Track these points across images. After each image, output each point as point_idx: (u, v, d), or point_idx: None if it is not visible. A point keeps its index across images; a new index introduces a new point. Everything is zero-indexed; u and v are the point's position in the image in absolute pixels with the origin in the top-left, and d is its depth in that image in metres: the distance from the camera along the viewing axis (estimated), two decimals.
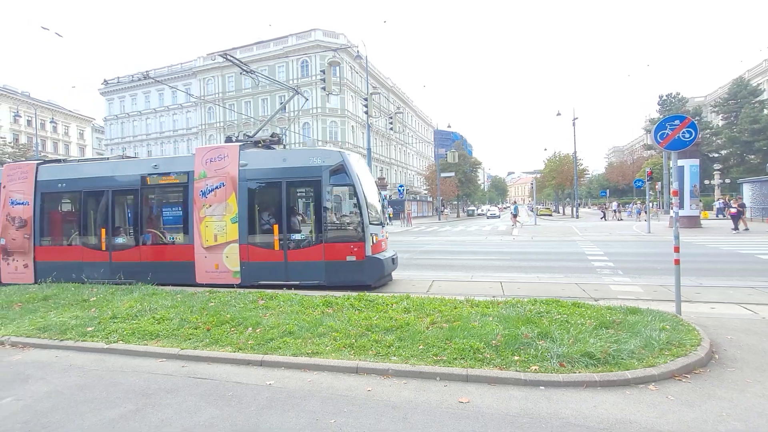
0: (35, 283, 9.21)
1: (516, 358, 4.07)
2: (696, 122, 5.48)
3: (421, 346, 4.44)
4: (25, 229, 9.69)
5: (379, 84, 52.67)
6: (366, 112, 25.46)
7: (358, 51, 28.46)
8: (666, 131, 5.51)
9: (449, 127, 46.54)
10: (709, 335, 4.62)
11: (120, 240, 9.51)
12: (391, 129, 29.02)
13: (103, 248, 9.32)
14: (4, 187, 9.93)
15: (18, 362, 4.82)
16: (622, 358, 3.94)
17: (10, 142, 45.63)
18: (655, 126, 5.59)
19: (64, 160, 11.30)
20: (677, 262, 5.48)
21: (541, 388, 3.63)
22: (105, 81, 51.37)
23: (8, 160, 40.57)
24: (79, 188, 9.61)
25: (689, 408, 3.25)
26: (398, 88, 60.38)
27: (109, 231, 9.35)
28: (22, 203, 9.76)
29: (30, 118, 52.27)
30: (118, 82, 51.93)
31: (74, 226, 9.94)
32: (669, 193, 29.92)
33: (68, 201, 10.43)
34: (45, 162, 10.46)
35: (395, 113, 33.98)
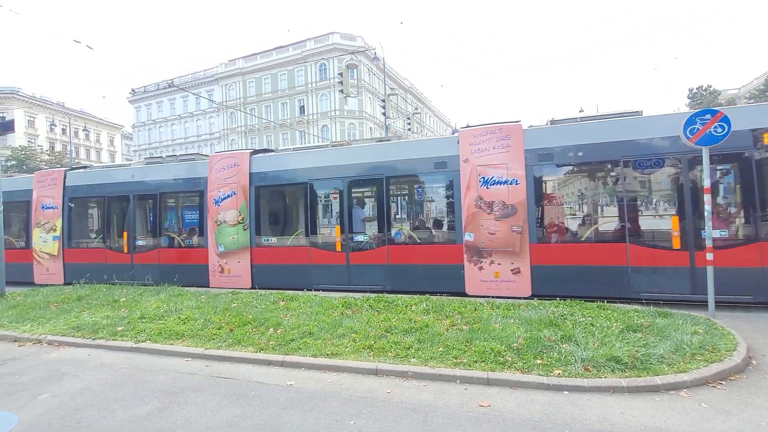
0: (531, 297, 6.54)
1: (538, 361, 3.98)
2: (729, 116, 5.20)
3: (440, 348, 4.40)
4: (513, 218, 6.81)
5: (396, 85, 52.66)
6: (384, 114, 25.47)
7: (375, 53, 28.56)
8: (696, 126, 5.26)
9: (468, 126, 45.93)
10: (745, 340, 4.38)
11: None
12: (409, 129, 28.96)
13: (677, 245, 6.16)
14: (465, 161, 7.16)
15: (54, 360, 5.06)
16: (651, 363, 3.79)
17: (46, 150, 48.05)
18: (685, 120, 5.34)
19: (552, 121, 7.52)
20: (711, 263, 5.24)
21: (564, 392, 3.54)
22: (132, 90, 53.38)
23: (45, 167, 42.76)
24: (605, 157, 6.59)
25: (725, 416, 3.09)
26: (416, 88, 60.25)
27: (689, 222, 6.12)
28: (508, 182, 6.89)
29: (64, 127, 54.88)
30: (144, 91, 53.95)
31: (591, 212, 7.10)
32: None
33: (581, 175, 7.35)
34: (553, 123, 7.35)
35: (413, 114, 33.89)
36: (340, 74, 19.15)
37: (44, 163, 42.89)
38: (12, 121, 9.45)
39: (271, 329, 5.35)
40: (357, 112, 44.82)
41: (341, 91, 19.15)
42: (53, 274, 10.35)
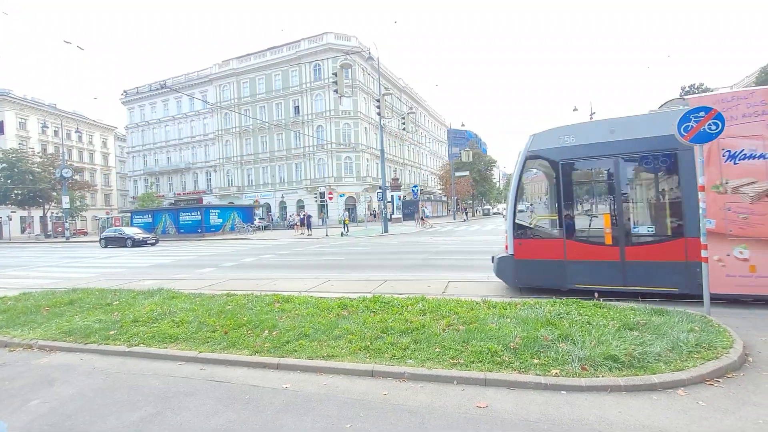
0: None
1: (536, 361, 3.96)
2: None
3: (437, 349, 4.37)
4: None
5: (391, 85, 52.59)
6: (378, 114, 25.40)
7: (369, 53, 28.50)
8: (690, 124, 5.27)
9: (463, 125, 45.96)
10: (741, 337, 4.40)
11: None
12: (404, 129, 28.94)
13: None
14: None
15: (45, 365, 4.97)
16: (648, 362, 3.79)
17: (38, 152, 47.49)
18: (679, 118, 5.36)
19: None
20: (705, 260, 5.25)
21: (562, 392, 3.52)
22: (124, 91, 52.94)
23: (37, 170, 42.24)
24: None
25: (723, 414, 3.09)
26: (410, 88, 60.25)
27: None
28: None
29: (57, 129, 54.34)
30: (137, 92, 53.48)
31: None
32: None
33: None
34: None
35: (408, 113, 33.85)
36: (335, 74, 19.10)
37: (36, 165, 42.33)
38: (1, 123, 9.23)
39: (267, 331, 5.29)
40: (352, 112, 44.71)
41: (336, 91, 19.10)
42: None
